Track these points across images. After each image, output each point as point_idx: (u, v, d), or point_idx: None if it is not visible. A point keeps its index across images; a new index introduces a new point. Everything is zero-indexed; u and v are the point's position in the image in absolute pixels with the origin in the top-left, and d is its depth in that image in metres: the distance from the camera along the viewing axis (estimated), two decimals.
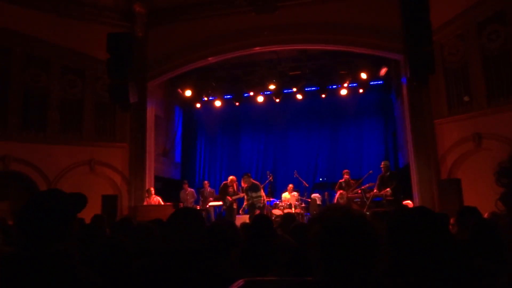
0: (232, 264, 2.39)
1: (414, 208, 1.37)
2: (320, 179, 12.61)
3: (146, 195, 10.19)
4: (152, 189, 10.23)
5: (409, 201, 8.98)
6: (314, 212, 10.52)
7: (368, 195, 9.41)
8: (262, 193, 9.76)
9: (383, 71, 11.37)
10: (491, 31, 8.08)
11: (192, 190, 11.56)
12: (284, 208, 10.06)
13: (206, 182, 11.93)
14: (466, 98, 8.48)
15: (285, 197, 10.61)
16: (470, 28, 8.46)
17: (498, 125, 7.88)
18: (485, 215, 5.29)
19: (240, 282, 1.32)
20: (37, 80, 9.71)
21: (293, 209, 10.02)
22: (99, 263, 2.01)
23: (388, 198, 9.10)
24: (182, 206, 10.06)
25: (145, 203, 10.04)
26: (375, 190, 9.39)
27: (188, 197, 11.20)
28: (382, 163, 9.60)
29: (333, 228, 1.20)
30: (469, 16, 8.44)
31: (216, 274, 1.68)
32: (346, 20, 9.60)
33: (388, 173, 9.41)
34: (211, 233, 2.54)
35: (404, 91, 9.75)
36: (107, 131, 10.49)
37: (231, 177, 10.65)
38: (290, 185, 10.80)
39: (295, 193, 10.56)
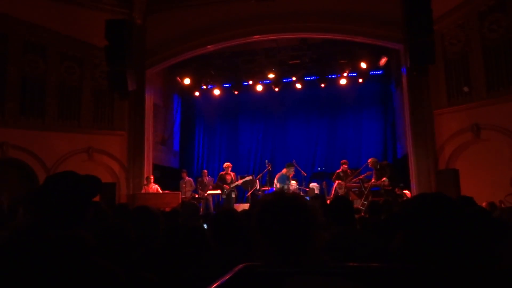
0: (237, 252, 2.39)
1: (432, 194, 1.37)
2: (319, 169, 12.66)
3: (145, 182, 10.23)
4: (151, 176, 10.26)
5: (406, 191, 9.05)
6: None
7: (366, 185, 9.47)
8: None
9: (383, 60, 11.34)
10: (492, 20, 8.06)
11: (191, 179, 11.60)
12: None
13: (205, 171, 11.96)
14: (465, 89, 8.49)
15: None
16: (471, 17, 8.43)
17: (497, 116, 7.91)
18: (483, 204, 5.36)
19: (240, 266, 1.34)
20: (35, 67, 9.66)
21: None
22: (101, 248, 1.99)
23: (386, 188, 9.17)
24: (180, 195, 10.12)
25: (143, 191, 10.07)
26: (373, 180, 9.47)
27: (186, 186, 11.25)
28: (369, 162, 9.65)
29: (267, 209, 1.26)
30: (470, 5, 8.41)
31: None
32: (347, 8, 9.54)
33: (378, 167, 9.48)
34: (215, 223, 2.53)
35: (404, 81, 9.74)
36: (106, 118, 10.48)
37: (226, 164, 10.70)
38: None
39: (293, 183, 10.60)
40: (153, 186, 10.14)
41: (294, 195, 1.32)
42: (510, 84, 7.79)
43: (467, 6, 8.45)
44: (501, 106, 7.88)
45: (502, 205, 5.47)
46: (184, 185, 11.24)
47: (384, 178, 9.19)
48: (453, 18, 8.72)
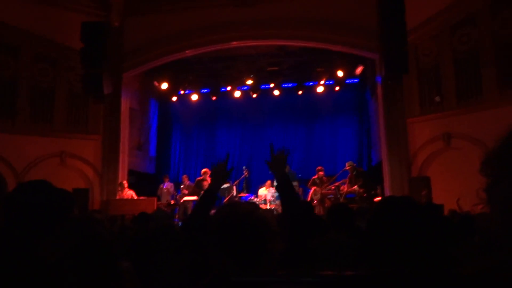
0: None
1: (400, 198, 1.41)
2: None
3: (119, 189, 10.03)
4: (125, 182, 10.07)
5: (380, 198, 9.22)
6: None
7: (341, 192, 9.61)
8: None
9: (359, 69, 11.59)
10: (463, 33, 8.38)
11: (172, 184, 11.51)
12: (259, 204, 10.12)
13: (185, 176, 11.85)
14: (437, 99, 8.78)
15: (261, 193, 10.67)
16: (443, 30, 8.74)
17: (466, 125, 8.20)
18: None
19: (211, 275, 1.34)
20: (6, 68, 9.35)
21: (268, 204, 10.11)
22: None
23: (361, 195, 9.32)
24: (157, 200, 9.99)
25: (117, 197, 9.88)
26: (345, 188, 9.63)
27: (166, 191, 11.16)
28: (347, 164, 9.84)
29: (222, 226, 1.28)
30: (442, 18, 8.71)
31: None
32: (324, 17, 9.71)
33: (354, 173, 9.65)
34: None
35: (379, 90, 9.96)
36: (80, 122, 10.24)
37: (204, 170, 10.64)
38: (268, 181, 10.86)
39: (271, 189, 10.63)
40: (128, 192, 9.95)
41: (247, 209, 1.31)
42: (479, 94, 8.10)
43: (439, 18, 8.76)
44: (470, 115, 8.18)
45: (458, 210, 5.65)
46: (165, 191, 11.14)
47: (355, 187, 9.37)
48: (425, 30, 9.02)
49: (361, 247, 2.73)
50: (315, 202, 10.02)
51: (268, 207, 9.94)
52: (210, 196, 2.25)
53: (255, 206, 1.37)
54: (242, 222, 1.26)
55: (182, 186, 11.33)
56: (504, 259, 0.75)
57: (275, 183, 10.47)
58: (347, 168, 9.84)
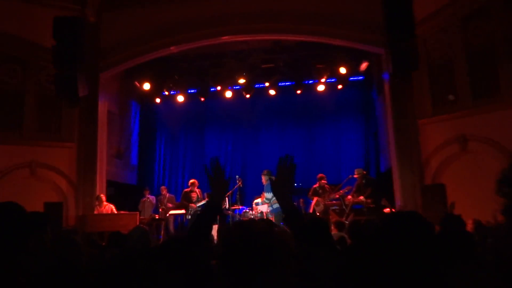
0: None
1: (406, 213, 1.44)
2: (295, 185, 12.73)
3: (97, 203, 9.97)
4: (102, 196, 10.01)
5: (387, 209, 9.23)
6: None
7: (347, 202, 9.61)
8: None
9: (363, 65, 11.63)
10: (476, 25, 8.45)
11: (153, 197, 11.49)
12: (255, 217, 10.10)
13: (163, 187, 11.80)
14: (451, 97, 8.82)
15: (257, 205, 10.64)
16: (454, 22, 8.83)
17: (484, 127, 8.25)
18: (469, 222, 5.56)
19: None
20: None
21: (265, 218, 10.09)
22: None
23: (369, 205, 9.34)
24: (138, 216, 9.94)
25: (95, 212, 9.82)
26: (349, 197, 9.62)
27: (148, 205, 11.13)
28: (356, 172, 9.89)
29: (235, 248, 1.27)
30: (453, 9, 8.80)
31: None
32: (324, 9, 9.78)
33: (364, 181, 9.67)
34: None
35: (386, 88, 10.03)
36: (52, 128, 10.21)
37: (191, 181, 10.62)
38: (264, 193, 10.83)
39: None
40: (107, 206, 9.89)
41: (263, 228, 1.31)
42: (496, 92, 8.14)
43: (449, 9, 8.84)
44: (487, 115, 8.22)
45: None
46: (145, 205, 11.10)
47: (361, 197, 9.38)
48: (435, 21, 9.09)
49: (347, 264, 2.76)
50: (317, 214, 10.01)
51: None
52: (213, 211, 2.18)
53: (271, 223, 1.36)
54: (257, 242, 1.25)
55: (161, 198, 11.27)
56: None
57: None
58: (356, 175, 9.85)
